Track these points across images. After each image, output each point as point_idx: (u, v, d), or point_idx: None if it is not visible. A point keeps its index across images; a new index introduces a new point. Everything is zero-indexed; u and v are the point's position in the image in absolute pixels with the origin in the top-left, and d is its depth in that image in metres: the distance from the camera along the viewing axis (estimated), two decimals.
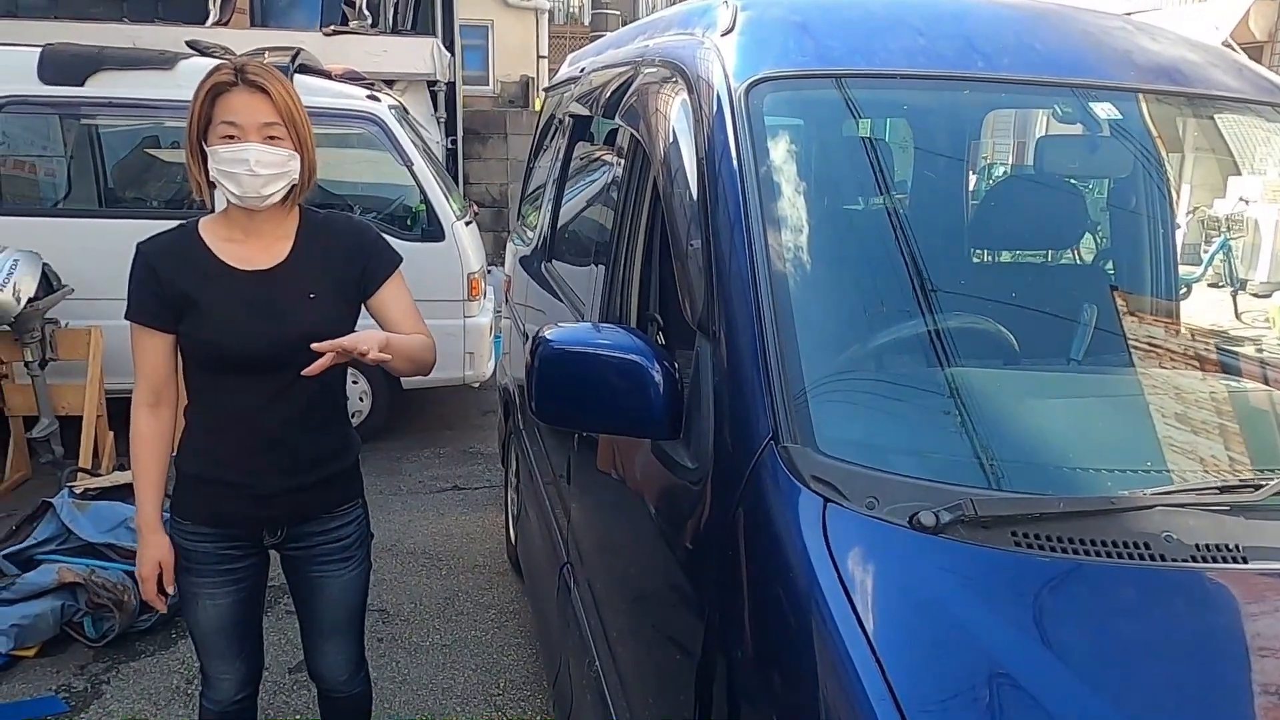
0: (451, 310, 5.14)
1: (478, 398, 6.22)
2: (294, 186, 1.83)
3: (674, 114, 1.83)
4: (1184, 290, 2.37)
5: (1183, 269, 2.55)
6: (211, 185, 1.80)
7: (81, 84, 4.83)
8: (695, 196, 1.59)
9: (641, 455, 1.65)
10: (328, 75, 5.43)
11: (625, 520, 1.79)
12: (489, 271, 5.78)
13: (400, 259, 2.00)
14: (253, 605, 2.06)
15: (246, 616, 2.05)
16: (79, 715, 2.87)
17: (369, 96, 5.20)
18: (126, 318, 1.83)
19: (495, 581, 3.79)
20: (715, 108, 1.64)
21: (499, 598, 3.66)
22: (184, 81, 4.90)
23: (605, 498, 1.99)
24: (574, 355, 1.47)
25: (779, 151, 1.60)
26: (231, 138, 1.73)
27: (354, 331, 1.84)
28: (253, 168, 1.73)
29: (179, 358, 1.89)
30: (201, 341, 1.82)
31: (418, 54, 8.13)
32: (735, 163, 1.53)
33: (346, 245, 1.93)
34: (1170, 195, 2.16)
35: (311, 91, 5.03)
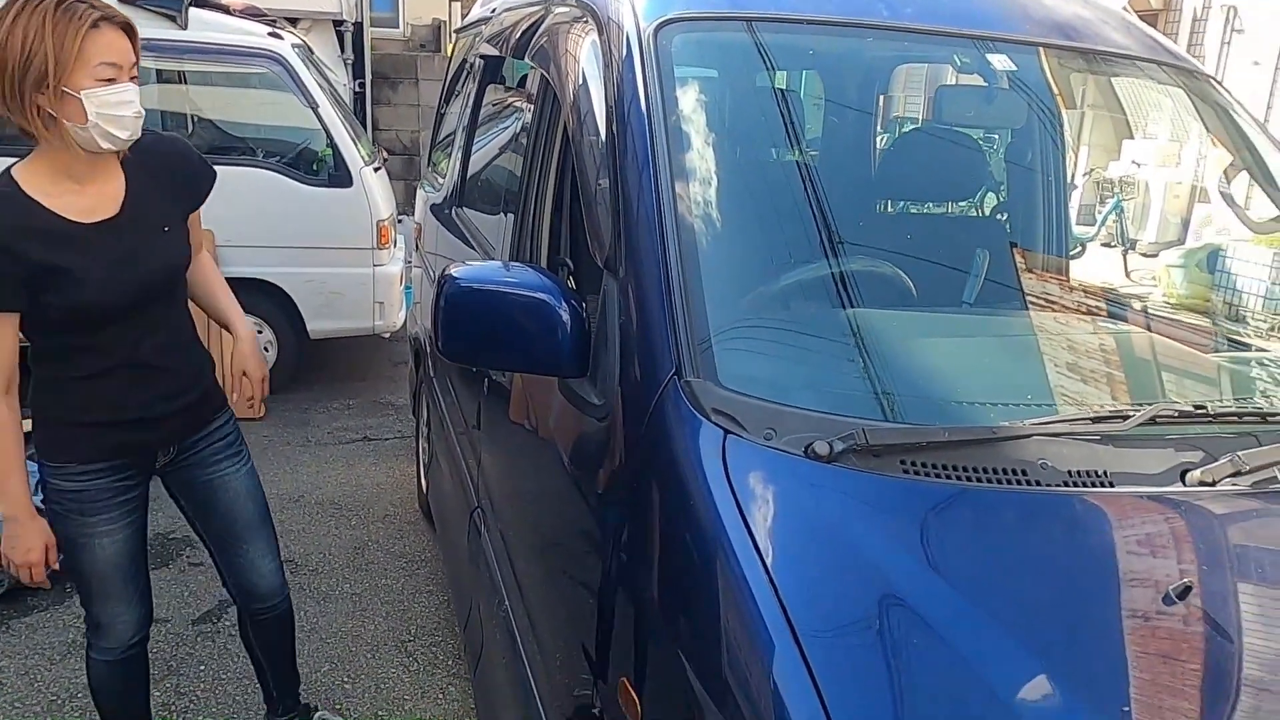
0: (360, 259, 5.02)
1: (388, 348, 6.12)
2: None
3: (584, 55, 1.82)
4: (1079, 248, 2.48)
5: (1078, 228, 2.67)
6: (47, 127, 1.65)
7: None
8: (604, 139, 1.58)
9: (550, 396, 1.66)
10: (226, 10, 5.18)
11: (534, 460, 1.81)
12: (399, 220, 5.66)
13: (214, 171, 2.01)
14: (143, 538, 2.04)
15: (140, 550, 2.02)
16: None
17: (270, 34, 4.99)
18: None
19: (406, 530, 3.77)
20: (625, 49, 1.63)
21: (410, 546, 3.65)
22: None
23: (515, 440, 2.00)
24: (481, 293, 1.46)
25: (687, 95, 1.60)
26: (111, 80, 1.64)
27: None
28: (138, 108, 1.68)
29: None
30: (77, 307, 1.72)
31: None
32: (644, 104, 1.53)
33: (175, 165, 1.90)
34: (1063, 146, 2.24)
35: (208, 27, 4.83)
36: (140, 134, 1.72)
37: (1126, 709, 1.00)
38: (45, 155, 1.71)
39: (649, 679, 1.22)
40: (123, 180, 1.80)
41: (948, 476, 1.19)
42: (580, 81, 1.78)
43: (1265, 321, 2.07)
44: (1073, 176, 2.53)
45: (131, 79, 1.68)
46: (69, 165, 1.71)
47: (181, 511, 2.15)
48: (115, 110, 1.64)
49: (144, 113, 1.71)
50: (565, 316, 1.45)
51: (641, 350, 1.34)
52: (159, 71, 5.05)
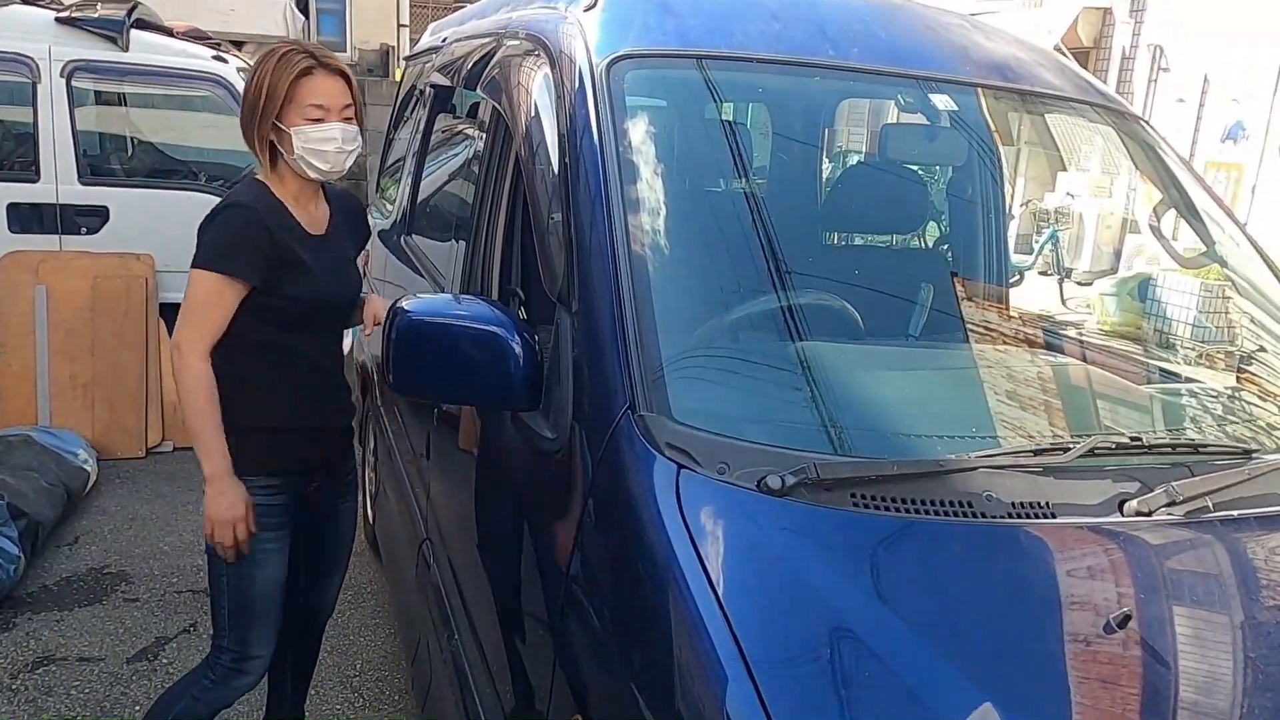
0: None
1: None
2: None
3: (536, 88, 1.84)
4: (1016, 277, 2.55)
5: (1016, 258, 2.74)
6: (272, 160, 1.93)
7: None
8: (556, 171, 1.60)
9: (501, 428, 1.65)
10: (169, 33, 5.11)
11: (485, 492, 1.79)
12: None
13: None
14: None
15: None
16: None
17: (215, 57, 4.93)
18: (219, 270, 1.85)
19: (351, 562, 3.68)
20: (577, 83, 1.65)
21: (355, 579, 3.57)
22: (6, 32, 4.52)
23: (465, 472, 1.99)
24: (432, 326, 1.46)
25: (639, 129, 1.62)
26: (319, 120, 1.87)
27: None
28: (341, 145, 1.89)
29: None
30: (303, 299, 1.93)
31: (269, 15, 7.76)
32: (596, 139, 1.54)
33: (356, 216, 2.19)
34: (1001, 181, 2.31)
35: (152, 50, 4.75)
36: (345, 167, 1.93)
37: None
38: (273, 176, 1.96)
39: (602, 713, 1.21)
40: (328, 209, 2.07)
41: (897, 509, 1.21)
42: (532, 114, 1.80)
43: (1193, 350, 2.16)
44: (1011, 210, 2.61)
45: (346, 119, 1.90)
46: (290, 184, 1.96)
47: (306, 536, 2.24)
48: (318, 145, 1.88)
49: (353, 149, 1.92)
50: (518, 349, 1.45)
51: (595, 384, 1.35)
52: (99, 93, 4.96)
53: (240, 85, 4.83)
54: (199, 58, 4.88)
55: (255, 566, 2.00)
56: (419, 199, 3.07)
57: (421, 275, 2.72)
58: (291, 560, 2.21)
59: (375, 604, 3.41)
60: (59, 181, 4.55)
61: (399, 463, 2.77)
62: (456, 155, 2.70)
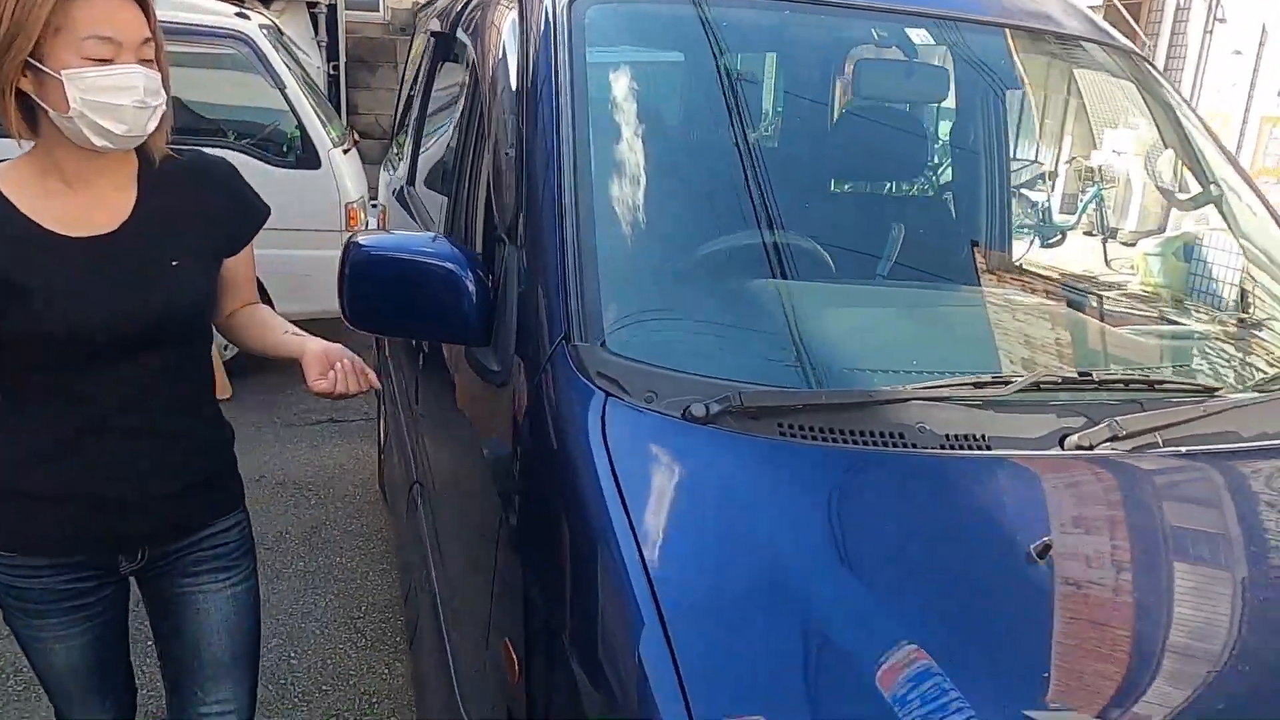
0: (329, 241, 5.00)
1: (357, 331, 6.10)
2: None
3: (505, 29, 1.83)
4: (1058, 236, 2.48)
5: (1059, 217, 2.66)
6: (31, 121, 1.34)
7: None
8: (513, 109, 1.59)
9: (461, 365, 1.67)
10: None
11: (449, 429, 1.82)
12: (373, 205, 5.65)
13: (269, 209, 1.67)
14: (118, 636, 1.63)
15: (112, 651, 1.61)
16: None
17: (238, 14, 4.98)
18: None
19: (365, 510, 3.78)
20: (542, 23, 1.64)
21: (367, 525, 3.66)
22: None
23: (439, 412, 2.01)
24: (386, 260, 1.46)
25: (598, 65, 1.61)
26: (106, 60, 1.29)
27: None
28: (144, 98, 1.32)
29: None
30: (31, 335, 1.36)
31: None
32: (552, 76, 1.53)
33: (214, 194, 1.54)
34: (1001, 120, 2.22)
35: (175, 7, 4.79)
36: (148, 131, 1.37)
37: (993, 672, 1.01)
38: (39, 149, 1.39)
39: (529, 645, 1.22)
40: (134, 195, 1.45)
41: (824, 439, 1.20)
42: (499, 56, 1.79)
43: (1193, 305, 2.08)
44: (1048, 164, 2.51)
45: (143, 61, 1.33)
46: (60, 162, 1.38)
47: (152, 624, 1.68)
48: (107, 97, 1.29)
49: (157, 105, 1.35)
50: (470, 285, 1.45)
51: (535, 315, 1.35)
52: None
53: (265, 44, 4.88)
54: (222, 14, 4.93)
55: (31, 652, 1.56)
56: (419, 151, 3.09)
57: (420, 226, 2.74)
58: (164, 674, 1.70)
59: (384, 550, 3.48)
60: None
61: (399, 408, 2.81)
62: (445, 105, 2.70)
